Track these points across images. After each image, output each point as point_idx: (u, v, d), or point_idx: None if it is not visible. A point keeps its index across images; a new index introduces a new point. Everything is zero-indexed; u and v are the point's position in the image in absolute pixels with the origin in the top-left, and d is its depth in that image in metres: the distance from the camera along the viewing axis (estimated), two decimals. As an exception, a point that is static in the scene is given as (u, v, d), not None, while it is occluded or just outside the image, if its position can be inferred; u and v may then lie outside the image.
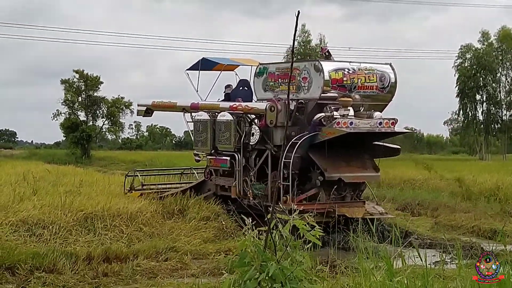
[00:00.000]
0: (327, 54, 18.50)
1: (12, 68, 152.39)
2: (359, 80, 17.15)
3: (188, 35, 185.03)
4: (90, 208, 15.82)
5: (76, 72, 67.60)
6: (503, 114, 73.51)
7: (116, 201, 17.15)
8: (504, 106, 73.29)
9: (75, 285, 12.12)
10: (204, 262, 13.87)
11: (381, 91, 17.56)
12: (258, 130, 17.54)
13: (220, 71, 20.36)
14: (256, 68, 18.40)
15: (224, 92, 19.97)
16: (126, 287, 12.34)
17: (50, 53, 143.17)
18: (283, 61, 18.30)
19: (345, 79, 16.93)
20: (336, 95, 16.72)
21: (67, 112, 67.70)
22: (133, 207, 16.55)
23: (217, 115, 18.61)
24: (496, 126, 73.61)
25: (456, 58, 73.78)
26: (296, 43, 67.04)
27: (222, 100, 19.44)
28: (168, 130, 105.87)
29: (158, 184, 21.45)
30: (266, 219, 6.23)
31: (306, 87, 16.85)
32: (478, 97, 73.78)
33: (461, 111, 74.31)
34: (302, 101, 16.97)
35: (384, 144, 18.10)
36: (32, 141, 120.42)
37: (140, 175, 21.44)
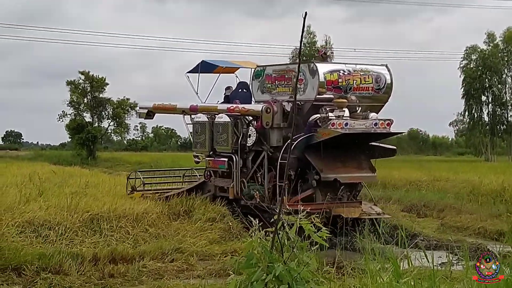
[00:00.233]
0: (323, 56, 18.72)
1: (18, 69, 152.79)
2: (355, 81, 17.35)
3: (192, 36, 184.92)
4: (96, 209, 15.84)
5: (82, 73, 67.71)
6: (509, 115, 73.36)
7: (122, 202, 17.17)
8: (509, 107, 73.11)
9: (81, 286, 12.14)
10: (210, 263, 13.87)
11: (377, 92, 17.73)
12: (255, 132, 17.74)
13: (219, 74, 20.63)
14: (254, 70, 18.62)
15: (224, 94, 20.21)
16: (132, 288, 12.36)
17: (56, 55, 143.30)
18: (281, 62, 18.26)
19: (340, 80, 17.14)
20: (332, 96, 16.91)
21: (72, 114, 67.80)
22: (139, 208, 16.56)
23: (215, 117, 18.82)
24: (501, 127, 73.43)
25: (462, 59, 73.70)
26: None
27: (222, 102, 19.64)
28: (173, 131, 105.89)
29: (160, 183, 21.85)
30: (272, 220, 6.23)
31: (302, 89, 17.02)
32: (483, 98, 73.65)
33: (466, 112, 74.18)
34: (299, 102, 17.10)
35: (380, 144, 18.25)
36: (37, 142, 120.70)
37: (142, 176, 21.54)
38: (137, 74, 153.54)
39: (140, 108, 23.24)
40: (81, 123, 66.65)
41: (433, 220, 21.16)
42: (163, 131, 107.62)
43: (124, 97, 68.53)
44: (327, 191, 16.90)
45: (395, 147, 18.71)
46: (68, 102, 67.22)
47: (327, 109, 16.66)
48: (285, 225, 6.21)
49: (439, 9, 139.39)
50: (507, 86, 73.52)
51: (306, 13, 5.42)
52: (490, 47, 72.95)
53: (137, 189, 20.72)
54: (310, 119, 16.75)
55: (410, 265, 7.94)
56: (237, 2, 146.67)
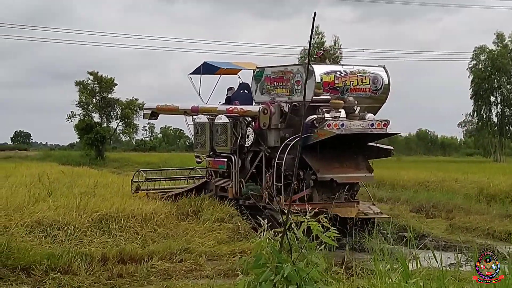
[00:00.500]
0: (322, 57, 18.85)
1: (27, 69, 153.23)
2: (351, 82, 17.47)
3: (201, 36, 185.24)
4: (105, 209, 15.86)
5: (91, 73, 67.82)
6: (518, 115, 73.19)
7: (130, 202, 17.20)
8: (518, 107, 72.98)
9: (90, 286, 12.15)
10: (219, 264, 13.87)
11: (374, 93, 17.85)
12: (253, 132, 17.94)
13: (220, 75, 20.92)
14: (254, 72, 18.78)
15: (226, 95, 20.44)
16: (140, 288, 12.37)
17: (65, 55, 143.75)
18: (280, 64, 18.42)
19: (337, 81, 17.27)
20: (329, 97, 17.06)
21: (81, 114, 67.92)
22: (147, 208, 16.59)
23: (215, 118, 19.09)
24: (510, 128, 73.27)
25: (470, 59, 73.57)
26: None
27: (224, 103, 19.86)
28: (181, 131, 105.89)
29: (163, 179, 22.09)
30: (280, 220, 6.23)
31: (299, 90, 17.23)
32: (492, 98, 73.45)
33: (475, 113, 74.02)
34: (296, 103, 17.34)
35: (377, 145, 18.34)
36: (46, 143, 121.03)
37: (145, 176, 21.72)
38: (145, 75, 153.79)
39: (144, 109, 23.71)
40: (89, 124, 66.75)
41: (442, 220, 21.12)
42: (171, 131, 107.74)
43: (133, 97, 68.74)
44: (324, 191, 17.13)
45: (391, 147, 18.88)
46: (77, 103, 67.41)
47: (324, 110, 16.84)
48: (293, 225, 6.21)
49: (447, 9, 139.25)
50: (516, 86, 73.34)
51: (315, 13, 5.42)
52: (499, 48, 72.77)
53: (142, 188, 20.86)
54: (307, 119, 16.96)
55: (419, 266, 7.94)
56: (245, 2, 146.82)
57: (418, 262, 8.02)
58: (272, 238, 6.22)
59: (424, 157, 74.71)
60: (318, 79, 17.00)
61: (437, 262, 7.77)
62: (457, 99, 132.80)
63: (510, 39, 72.95)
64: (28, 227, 14.54)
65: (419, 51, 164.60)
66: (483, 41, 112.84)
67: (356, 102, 17.40)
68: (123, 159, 63.13)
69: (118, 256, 13.49)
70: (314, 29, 5.87)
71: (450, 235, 17.97)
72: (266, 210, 16.43)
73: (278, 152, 16.82)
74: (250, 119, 18.30)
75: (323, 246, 6.38)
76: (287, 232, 6.08)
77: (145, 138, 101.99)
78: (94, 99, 68.00)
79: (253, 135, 17.92)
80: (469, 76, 73.38)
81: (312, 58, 19.03)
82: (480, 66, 73.33)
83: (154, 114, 22.15)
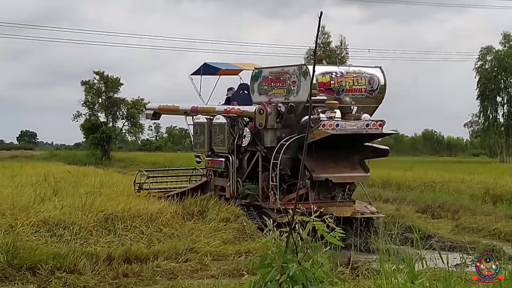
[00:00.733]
0: (319, 57, 19.01)
1: (33, 69, 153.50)
2: (347, 83, 17.63)
3: (207, 36, 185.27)
4: (111, 209, 15.87)
5: (97, 73, 67.87)
6: (524, 116, 73.01)
7: (136, 202, 17.22)
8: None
9: (96, 286, 12.15)
10: (224, 264, 13.86)
11: (370, 93, 18.00)
12: (249, 132, 18.16)
13: (219, 76, 21.24)
14: (252, 72, 19.00)
15: (226, 95, 20.69)
16: (146, 288, 12.37)
17: (71, 55, 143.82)
18: (277, 65, 18.62)
19: (332, 82, 17.44)
20: (324, 98, 17.18)
21: (87, 114, 67.96)
22: (153, 208, 16.59)
23: (213, 118, 19.37)
24: (517, 128, 73.10)
25: (477, 60, 73.44)
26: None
27: (224, 104, 20.10)
28: (187, 131, 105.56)
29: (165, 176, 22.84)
30: (286, 220, 6.23)
31: (295, 91, 17.46)
32: (499, 99, 73.31)
33: (481, 113, 73.88)
34: (293, 104, 17.51)
35: (373, 145, 18.51)
36: (52, 142, 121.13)
37: (148, 176, 21.96)
38: (151, 75, 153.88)
39: (146, 109, 24.36)
40: (95, 123, 66.80)
41: (448, 221, 21.08)
42: (177, 131, 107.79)
43: (139, 97, 68.69)
44: (319, 190, 17.29)
45: (387, 147, 19.02)
46: (82, 102, 67.46)
47: (319, 110, 17.00)
48: (298, 225, 6.21)
49: (454, 10, 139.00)
50: (523, 87, 73.16)
51: (321, 13, 5.41)
52: (506, 48, 72.62)
53: (144, 188, 21.09)
54: (302, 120, 17.22)
55: (425, 266, 7.92)
56: (252, 3, 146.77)
57: (424, 262, 8.01)
58: (277, 238, 6.21)
59: (430, 158, 74.66)
60: (313, 80, 17.12)
61: (443, 263, 7.75)
62: (464, 99, 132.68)
63: (516, 39, 72.77)
64: (34, 226, 14.56)
65: (426, 51, 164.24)
66: (490, 41, 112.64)
67: (353, 103, 17.55)
68: (128, 159, 63.16)
69: (123, 256, 13.49)
70: (320, 29, 5.86)
71: (456, 236, 17.93)
72: (262, 209, 16.72)
73: (274, 152, 17.02)
74: (247, 119, 18.47)
75: (328, 246, 6.37)
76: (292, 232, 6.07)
77: (151, 138, 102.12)
78: (100, 99, 68.05)
79: (249, 135, 18.15)
80: (475, 77, 73.31)
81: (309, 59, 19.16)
82: (487, 67, 73.20)
83: (156, 114, 22.54)
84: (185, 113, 20.84)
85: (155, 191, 20.73)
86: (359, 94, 17.81)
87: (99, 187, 21.40)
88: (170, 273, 13.07)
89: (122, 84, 68.59)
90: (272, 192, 16.95)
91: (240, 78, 21.12)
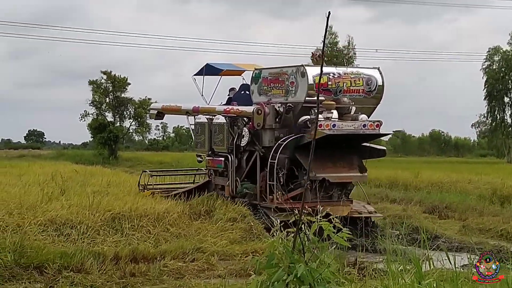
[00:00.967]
0: (318, 58, 19.11)
1: (41, 69, 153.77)
2: (345, 84, 17.78)
3: (214, 36, 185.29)
4: (118, 208, 15.89)
5: (104, 73, 67.96)
6: (532, 117, 72.79)
7: (143, 201, 17.23)
8: (533, 109, 72.56)
9: (103, 285, 12.16)
10: (231, 263, 13.85)
11: (368, 94, 18.15)
12: (248, 132, 18.37)
13: (220, 76, 21.57)
14: (252, 73, 19.21)
15: (228, 95, 20.90)
16: (153, 287, 12.36)
17: (79, 54, 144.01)
18: (277, 65, 18.80)
19: (330, 83, 17.58)
20: (323, 98, 17.29)
21: (94, 113, 68.06)
22: (160, 207, 16.60)
23: (214, 118, 19.69)
24: (524, 129, 72.89)
25: (484, 60, 73.24)
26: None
27: (225, 104, 20.30)
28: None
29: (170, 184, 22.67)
30: (292, 221, 6.23)
31: (293, 91, 17.66)
32: (506, 99, 73.04)
33: (489, 114, 73.67)
34: (291, 104, 17.71)
35: (371, 145, 18.67)
36: (60, 142, 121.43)
37: (152, 176, 22.26)
38: (159, 74, 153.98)
39: (150, 109, 24.96)
40: (103, 123, 66.88)
41: (455, 221, 21.05)
42: (184, 131, 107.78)
43: (146, 97, 68.67)
44: (317, 190, 17.33)
45: (384, 148, 19.31)
46: (90, 102, 67.53)
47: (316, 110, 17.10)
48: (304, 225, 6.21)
49: (462, 10, 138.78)
50: (531, 87, 72.94)
51: (329, 13, 5.41)
52: (514, 48, 72.40)
53: (147, 187, 21.38)
54: (299, 120, 17.41)
55: (432, 267, 7.90)
56: (259, 2, 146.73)
57: (431, 263, 7.99)
58: (284, 238, 6.21)
59: (437, 158, 74.51)
60: (310, 81, 17.28)
61: (450, 264, 7.73)
62: (471, 100, 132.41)
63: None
64: (41, 225, 14.58)
65: (433, 51, 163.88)
66: (497, 41, 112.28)
67: (352, 103, 17.71)
68: (136, 159, 63.24)
69: (130, 255, 13.50)
70: (327, 29, 5.86)
71: (463, 236, 17.89)
72: (259, 208, 17.10)
73: (272, 152, 17.20)
74: (247, 119, 18.67)
75: (334, 246, 6.37)
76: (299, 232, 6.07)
77: (158, 138, 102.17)
78: (107, 99, 68.14)
79: (248, 135, 18.36)
80: (483, 77, 73.10)
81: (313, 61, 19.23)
82: (494, 67, 72.98)
83: (159, 114, 22.90)
84: (187, 113, 21.21)
85: (158, 190, 21.01)
86: (357, 94, 17.96)
87: (106, 187, 21.47)
88: (177, 273, 13.08)
89: (129, 84, 68.70)
90: (268, 191, 17.26)
91: (243, 78, 21.35)
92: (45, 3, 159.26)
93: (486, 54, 73.17)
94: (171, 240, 15.14)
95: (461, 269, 9.50)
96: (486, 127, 77.64)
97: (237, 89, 20.72)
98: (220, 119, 19.23)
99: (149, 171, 23.09)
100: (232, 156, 18.87)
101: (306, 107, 17.36)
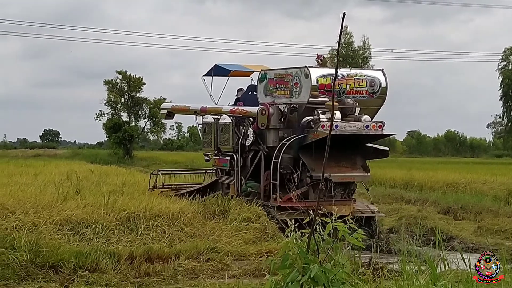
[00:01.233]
0: (322, 60, 19.24)
1: (57, 68, 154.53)
2: (348, 85, 18.00)
3: (229, 36, 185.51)
4: (133, 208, 15.92)
5: (119, 73, 68.18)
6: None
7: (158, 201, 17.25)
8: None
9: (118, 284, 12.21)
10: (245, 263, 13.86)
11: (371, 95, 18.33)
12: (253, 132, 18.63)
13: (228, 77, 21.77)
14: (259, 74, 19.45)
15: (236, 96, 21.17)
16: (168, 287, 12.39)
17: (94, 54, 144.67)
18: (282, 67, 18.97)
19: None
20: (326, 99, 17.48)
21: (110, 113, 68.30)
22: (174, 207, 16.62)
23: (220, 118, 20.02)
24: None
25: (500, 60, 72.98)
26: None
27: (233, 104, 20.58)
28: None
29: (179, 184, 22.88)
30: (305, 222, 6.23)
31: (297, 92, 17.91)
32: (522, 100, 72.81)
33: (504, 114, 73.42)
34: (295, 105, 18.01)
35: (374, 145, 18.77)
36: (75, 141, 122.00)
37: (162, 175, 22.59)
38: (174, 74, 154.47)
39: (161, 109, 25.62)
40: (118, 123, 67.09)
41: (470, 222, 20.97)
42: (198, 131, 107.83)
43: (161, 96, 68.84)
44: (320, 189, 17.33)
45: (387, 148, 19.30)
46: (105, 102, 67.77)
47: (319, 111, 17.41)
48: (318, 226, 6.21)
49: (478, 10, 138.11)
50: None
51: (344, 13, 5.43)
52: (530, 49, 72.10)
53: (157, 187, 21.65)
54: (303, 120, 17.59)
55: (447, 268, 7.88)
56: (274, 3, 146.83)
57: (446, 264, 7.97)
58: (299, 239, 6.21)
59: (452, 159, 74.25)
60: (314, 82, 17.51)
61: (465, 265, 7.70)
62: (487, 100, 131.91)
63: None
64: (57, 225, 14.63)
65: (449, 51, 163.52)
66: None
67: (357, 104, 17.86)
68: (150, 158, 63.40)
69: (145, 255, 13.54)
70: (343, 30, 5.87)
71: (478, 237, 17.84)
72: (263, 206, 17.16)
73: (276, 151, 17.42)
74: (252, 119, 18.92)
75: (349, 247, 6.37)
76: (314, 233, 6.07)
77: (173, 138, 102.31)
78: (122, 98, 68.34)
79: (253, 135, 18.61)
80: (498, 77, 72.86)
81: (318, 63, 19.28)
82: (510, 67, 72.69)
83: (169, 114, 23.39)
84: (195, 113, 21.64)
85: (168, 189, 21.37)
86: (360, 96, 18.14)
87: (121, 186, 21.54)
88: (191, 273, 13.11)
89: (144, 84, 68.89)
90: (272, 190, 17.48)
91: (252, 79, 21.55)
92: (61, 3, 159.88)
93: (502, 55, 73.07)
94: (185, 240, 15.15)
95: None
96: (501, 127, 77.42)
97: (245, 90, 21.01)
98: (226, 119, 19.54)
99: (158, 170, 23.26)
100: (237, 156, 19.15)
101: (309, 107, 17.60)
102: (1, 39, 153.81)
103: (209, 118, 20.59)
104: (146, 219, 15.57)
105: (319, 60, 19.26)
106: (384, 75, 18.57)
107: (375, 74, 18.60)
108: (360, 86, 18.10)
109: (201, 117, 21.24)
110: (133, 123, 68.92)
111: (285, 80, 18.31)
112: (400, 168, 38.79)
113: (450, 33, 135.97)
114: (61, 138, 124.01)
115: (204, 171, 23.08)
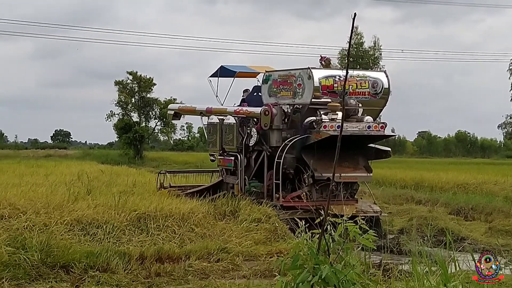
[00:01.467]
0: (326, 62, 19.38)
1: (68, 69, 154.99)
2: (351, 86, 18.14)
3: (240, 37, 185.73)
4: (143, 208, 15.94)
5: (130, 73, 68.38)
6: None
7: (168, 201, 17.27)
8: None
9: (128, 285, 12.23)
10: (256, 264, 13.85)
11: (373, 97, 18.49)
12: (256, 132, 18.86)
13: (233, 78, 21.93)
14: (263, 76, 19.69)
15: (242, 96, 21.35)
16: (178, 287, 12.41)
17: (105, 55, 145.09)
18: (286, 68, 19.12)
19: (335, 85, 17.97)
20: (329, 100, 17.69)
21: (120, 113, 68.51)
22: (185, 208, 16.63)
23: (225, 119, 20.26)
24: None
25: (511, 61, 72.76)
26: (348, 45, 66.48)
27: (238, 105, 20.76)
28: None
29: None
30: (315, 222, 6.23)
31: (300, 93, 18.10)
32: (533, 100, 72.59)
33: (516, 115, 73.17)
34: (298, 105, 18.27)
35: (376, 146, 18.87)
36: (86, 142, 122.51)
37: (169, 175, 22.84)
38: (185, 75, 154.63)
39: (168, 109, 25.78)
40: (128, 123, 67.25)
41: (481, 223, 20.92)
42: (204, 131, 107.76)
43: (171, 97, 68.94)
44: (322, 189, 17.76)
45: (389, 149, 19.42)
46: (116, 102, 68.03)
47: (321, 112, 17.54)
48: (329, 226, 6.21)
49: (489, 10, 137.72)
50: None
51: (355, 14, 5.43)
52: (541, 49, 71.90)
53: (164, 186, 21.87)
54: (305, 121, 17.77)
55: (458, 269, 7.87)
56: (285, 3, 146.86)
57: (457, 265, 7.96)
58: (309, 239, 6.22)
59: (463, 159, 74.07)
60: (316, 83, 17.71)
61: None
62: (498, 100, 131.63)
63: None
64: (68, 225, 14.66)
65: (460, 52, 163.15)
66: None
67: (360, 105, 17.98)
68: (161, 159, 63.48)
69: (156, 255, 13.56)
70: (353, 30, 5.87)
71: (489, 238, 17.78)
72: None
73: (278, 151, 17.62)
74: (256, 120, 19.10)
75: (359, 248, 6.37)
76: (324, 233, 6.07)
77: (183, 138, 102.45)
78: (133, 99, 68.51)
79: (256, 135, 18.83)
80: (509, 78, 72.66)
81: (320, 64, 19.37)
82: (521, 67, 72.48)
83: (176, 115, 23.71)
84: (201, 113, 21.90)
85: (174, 189, 21.49)
86: (363, 97, 18.28)
87: (132, 187, 21.58)
88: (201, 273, 13.11)
89: (155, 84, 69.09)
90: (275, 189, 17.67)
91: (258, 80, 21.64)
92: (73, 4, 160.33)
93: (512, 55, 72.69)
94: (196, 240, 15.16)
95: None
96: (513, 128, 77.07)
97: (250, 91, 21.18)
98: (231, 119, 19.77)
99: (164, 170, 23.49)
100: (241, 156, 19.39)
101: (312, 108, 17.77)
102: (13, 39, 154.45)
103: (214, 119, 20.83)
104: (157, 219, 15.60)
105: (323, 62, 19.43)
106: (387, 76, 18.72)
107: (377, 76, 18.81)
108: (362, 87, 18.27)
109: (206, 117, 21.47)
110: (143, 124, 69.08)
111: (288, 81, 18.48)
112: (410, 168, 38.73)
113: (461, 33, 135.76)
114: (72, 138, 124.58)
115: (211, 172, 23.22)
